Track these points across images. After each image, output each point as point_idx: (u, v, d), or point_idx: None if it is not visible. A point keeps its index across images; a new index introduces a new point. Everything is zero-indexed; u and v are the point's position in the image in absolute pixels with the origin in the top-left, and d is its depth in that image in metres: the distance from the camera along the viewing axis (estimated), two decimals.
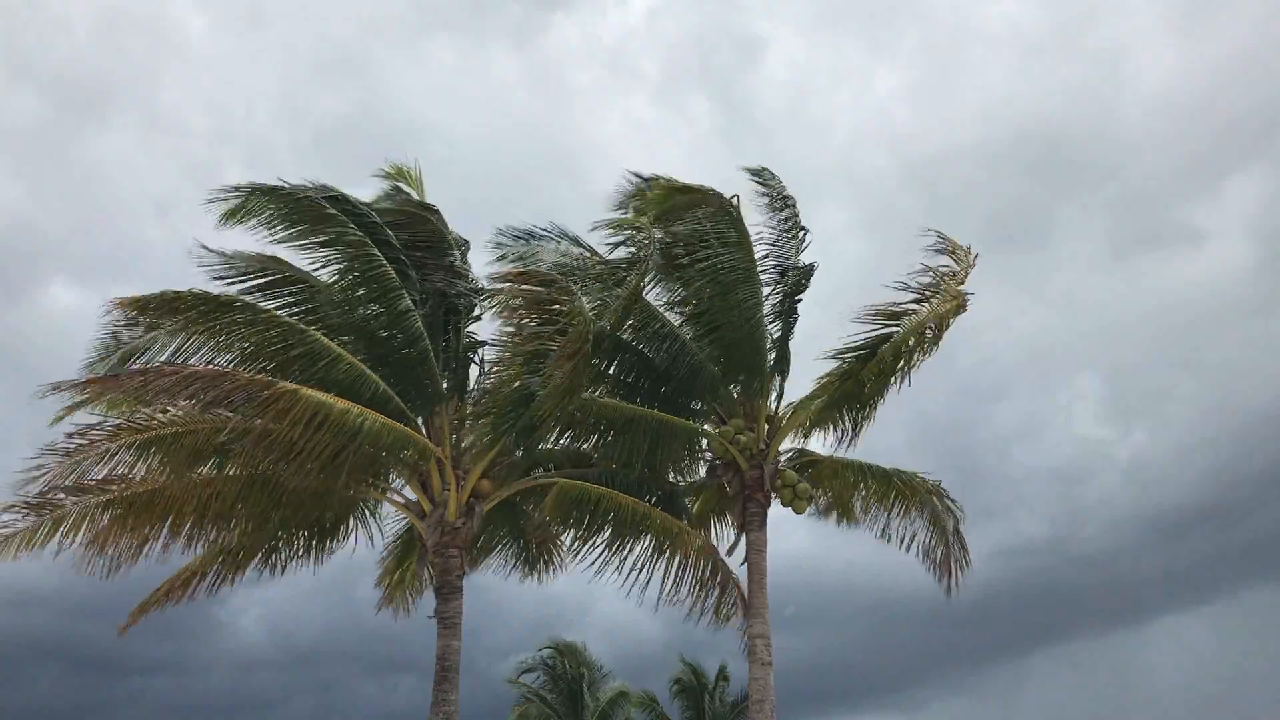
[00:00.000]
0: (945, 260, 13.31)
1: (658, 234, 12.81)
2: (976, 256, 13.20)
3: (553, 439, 13.83)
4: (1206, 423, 45.94)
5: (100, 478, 11.01)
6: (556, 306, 11.54)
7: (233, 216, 11.87)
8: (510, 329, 12.26)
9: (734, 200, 13.50)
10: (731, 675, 29.98)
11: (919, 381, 13.72)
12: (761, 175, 14.41)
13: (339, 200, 12.33)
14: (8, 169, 43.47)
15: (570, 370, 11.40)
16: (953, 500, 14.82)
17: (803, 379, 15.03)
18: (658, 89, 54.49)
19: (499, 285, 12.54)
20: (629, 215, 13.65)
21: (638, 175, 13.87)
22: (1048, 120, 47.06)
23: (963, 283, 12.91)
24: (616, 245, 13.47)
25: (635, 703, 31.21)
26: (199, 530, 11.89)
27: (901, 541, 15.09)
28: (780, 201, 14.40)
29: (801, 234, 14.46)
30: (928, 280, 13.20)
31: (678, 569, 13.43)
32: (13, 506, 10.75)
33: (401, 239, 13.04)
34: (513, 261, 13.46)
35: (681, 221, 13.32)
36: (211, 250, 11.56)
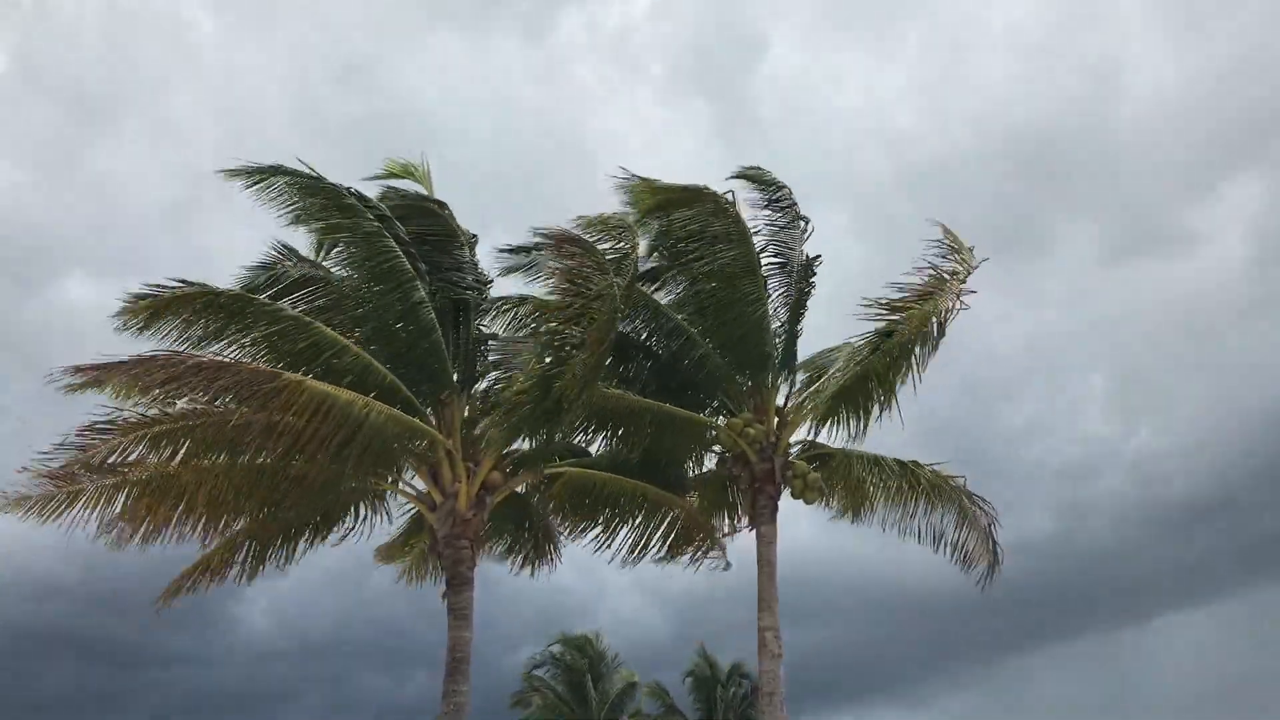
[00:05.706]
0: (949, 262, 12.90)
1: (651, 228, 12.79)
2: (983, 260, 12.74)
3: (565, 432, 13.74)
4: (1211, 420, 46.00)
5: (114, 463, 11.03)
6: (588, 283, 11.41)
7: (249, 180, 11.80)
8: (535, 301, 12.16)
9: (728, 196, 13.43)
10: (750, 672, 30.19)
11: (925, 380, 13.46)
12: (755, 176, 14.20)
13: (352, 194, 12.34)
14: (23, 175, 43.90)
15: (596, 353, 11.38)
16: (982, 500, 14.21)
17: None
18: (662, 86, 54.57)
19: (539, 247, 12.49)
20: (611, 213, 13.39)
21: (631, 174, 13.71)
22: (1046, 123, 47.20)
23: (964, 282, 12.58)
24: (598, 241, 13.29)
25: (645, 693, 31.58)
26: (211, 517, 11.96)
27: (923, 539, 14.39)
28: (776, 194, 14.26)
29: (803, 225, 14.39)
30: (931, 278, 12.82)
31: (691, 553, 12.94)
32: (39, 474, 10.81)
33: (411, 232, 13.05)
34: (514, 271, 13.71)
35: (679, 219, 13.31)
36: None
